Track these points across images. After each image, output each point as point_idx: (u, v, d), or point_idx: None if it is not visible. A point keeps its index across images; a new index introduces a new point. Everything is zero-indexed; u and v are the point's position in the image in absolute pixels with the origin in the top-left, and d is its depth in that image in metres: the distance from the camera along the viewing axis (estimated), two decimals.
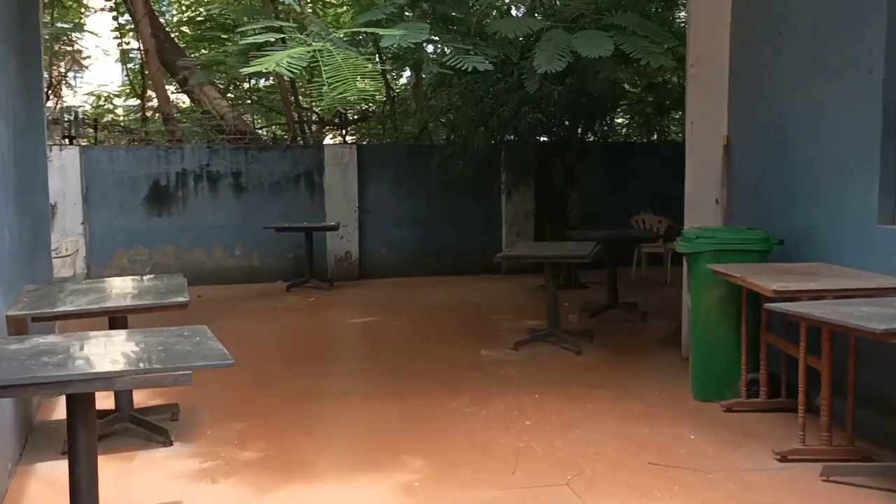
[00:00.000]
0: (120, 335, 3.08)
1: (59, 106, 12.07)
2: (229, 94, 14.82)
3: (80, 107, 16.51)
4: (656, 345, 6.54)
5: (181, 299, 4.08)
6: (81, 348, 2.81)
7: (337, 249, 10.75)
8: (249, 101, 13.57)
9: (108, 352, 2.78)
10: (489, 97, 8.01)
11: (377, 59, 4.07)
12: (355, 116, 14.58)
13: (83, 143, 11.29)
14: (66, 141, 10.35)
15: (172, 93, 15.87)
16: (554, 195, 9.14)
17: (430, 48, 5.50)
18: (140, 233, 10.32)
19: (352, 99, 3.76)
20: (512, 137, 8.18)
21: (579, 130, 8.81)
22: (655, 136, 11.02)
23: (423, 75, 7.85)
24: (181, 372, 2.56)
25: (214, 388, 5.11)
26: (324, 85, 3.84)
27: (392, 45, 5.86)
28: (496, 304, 8.77)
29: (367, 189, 10.88)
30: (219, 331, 3.06)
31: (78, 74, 23.23)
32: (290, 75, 3.43)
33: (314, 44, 3.71)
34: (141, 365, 2.63)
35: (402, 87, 15.09)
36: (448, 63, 4.30)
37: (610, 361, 6.03)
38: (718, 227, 4.97)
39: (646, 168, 10.93)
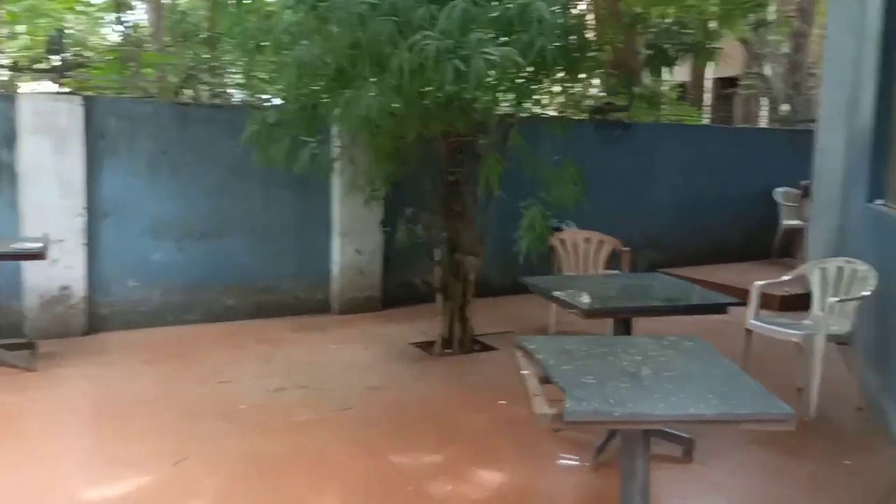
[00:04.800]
0: None
1: None
2: None
3: None
4: None
5: None
6: None
7: (44, 284, 5.93)
8: None
9: None
10: (386, 15, 3.83)
11: None
12: (70, 59, 9.36)
13: None
14: None
15: None
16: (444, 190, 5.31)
17: None
18: None
19: None
20: (460, 97, 4.02)
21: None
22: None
23: None
24: None
25: None
26: None
27: None
28: (402, 421, 4.71)
29: (104, 175, 6.17)
30: None
31: None
32: None
33: None
34: None
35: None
36: None
37: None
38: None
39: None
